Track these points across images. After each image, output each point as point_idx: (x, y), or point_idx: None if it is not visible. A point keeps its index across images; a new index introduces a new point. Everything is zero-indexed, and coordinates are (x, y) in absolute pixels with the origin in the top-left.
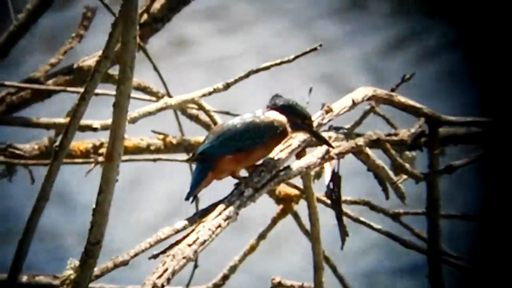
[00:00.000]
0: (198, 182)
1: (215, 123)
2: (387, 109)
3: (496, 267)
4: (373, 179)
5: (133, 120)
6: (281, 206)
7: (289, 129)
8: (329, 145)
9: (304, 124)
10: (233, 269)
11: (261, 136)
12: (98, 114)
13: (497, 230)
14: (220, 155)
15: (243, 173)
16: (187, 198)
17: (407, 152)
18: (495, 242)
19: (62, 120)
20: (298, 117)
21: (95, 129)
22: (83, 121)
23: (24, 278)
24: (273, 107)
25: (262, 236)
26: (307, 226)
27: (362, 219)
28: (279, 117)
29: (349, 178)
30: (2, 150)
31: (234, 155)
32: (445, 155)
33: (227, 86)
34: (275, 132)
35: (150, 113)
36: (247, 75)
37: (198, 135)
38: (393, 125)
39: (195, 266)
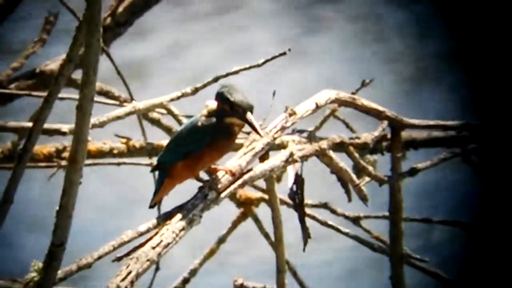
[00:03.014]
0: (157, 191)
1: None
2: (348, 113)
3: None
4: (333, 182)
5: (102, 124)
6: (241, 210)
7: (235, 122)
8: (258, 133)
9: (233, 111)
10: (193, 272)
11: (203, 137)
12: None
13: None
14: (172, 162)
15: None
16: (150, 206)
17: (369, 156)
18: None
19: (31, 124)
20: (225, 103)
21: (63, 133)
22: (52, 125)
23: None
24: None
25: (222, 240)
26: (267, 229)
27: (330, 222)
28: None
29: (310, 181)
30: None
31: (183, 161)
32: (406, 159)
33: (196, 90)
34: (217, 130)
35: (118, 117)
36: (215, 80)
37: (161, 139)
38: (352, 129)
39: (157, 269)
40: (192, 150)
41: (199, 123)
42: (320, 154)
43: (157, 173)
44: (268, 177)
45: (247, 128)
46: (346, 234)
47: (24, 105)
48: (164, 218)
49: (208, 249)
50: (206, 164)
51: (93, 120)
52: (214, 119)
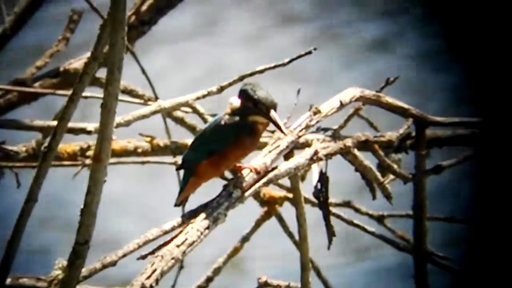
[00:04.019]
0: (182, 189)
1: None
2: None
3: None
4: (358, 180)
5: (128, 123)
6: (265, 209)
7: (259, 121)
8: (282, 131)
9: (257, 109)
10: (217, 271)
11: (227, 136)
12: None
13: (488, 232)
14: (197, 161)
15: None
16: (175, 205)
17: (393, 155)
18: (487, 244)
19: (55, 122)
20: (248, 101)
21: (89, 132)
22: (77, 124)
23: (8, 281)
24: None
25: (246, 239)
26: (291, 228)
27: (356, 221)
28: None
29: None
30: None
31: (208, 160)
32: (431, 157)
33: (221, 89)
34: (241, 129)
35: (144, 116)
36: (241, 79)
37: (185, 138)
38: (376, 128)
39: (181, 267)
40: (216, 148)
41: (223, 122)
42: (345, 152)
43: (182, 171)
44: (292, 175)
45: (272, 127)
46: (372, 233)
47: (48, 104)
48: (189, 217)
49: (232, 248)
50: (231, 163)
51: (118, 118)
52: (237, 118)
